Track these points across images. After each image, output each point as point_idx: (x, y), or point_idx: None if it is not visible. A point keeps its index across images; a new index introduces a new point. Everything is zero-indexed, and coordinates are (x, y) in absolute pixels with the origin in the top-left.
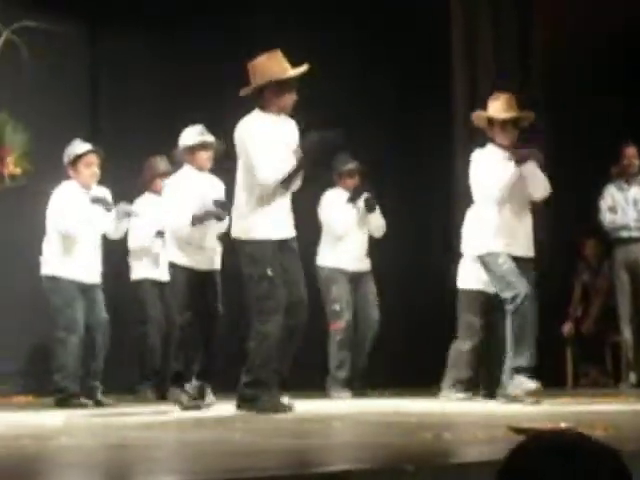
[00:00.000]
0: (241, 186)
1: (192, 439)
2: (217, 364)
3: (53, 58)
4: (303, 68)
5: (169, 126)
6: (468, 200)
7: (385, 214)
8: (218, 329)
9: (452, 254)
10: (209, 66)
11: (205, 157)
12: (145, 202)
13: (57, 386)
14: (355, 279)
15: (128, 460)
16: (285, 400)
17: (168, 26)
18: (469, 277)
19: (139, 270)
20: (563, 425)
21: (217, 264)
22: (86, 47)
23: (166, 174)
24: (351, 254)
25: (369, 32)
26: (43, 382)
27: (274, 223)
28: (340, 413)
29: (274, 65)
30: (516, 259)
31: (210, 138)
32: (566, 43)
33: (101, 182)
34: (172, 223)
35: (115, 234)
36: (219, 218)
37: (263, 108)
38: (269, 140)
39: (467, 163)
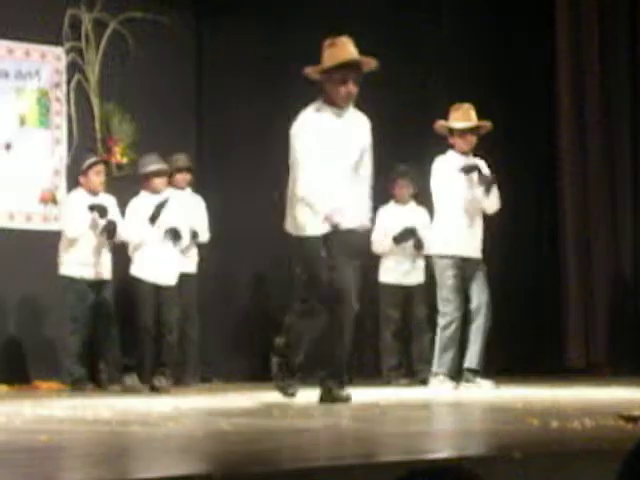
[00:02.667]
0: (291, 178)
1: (301, 426)
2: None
3: (159, 49)
4: (352, 56)
5: (271, 118)
6: None
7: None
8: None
9: None
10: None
11: (158, 182)
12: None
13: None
14: None
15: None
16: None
17: (275, 19)
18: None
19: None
20: None
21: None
22: (191, 38)
23: (183, 169)
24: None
25: None
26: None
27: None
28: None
29: (331, 52)
30: (467, 259)
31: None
32: None
33: (201, 173)
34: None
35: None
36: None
37: (323, 100)
38: (314, 146)
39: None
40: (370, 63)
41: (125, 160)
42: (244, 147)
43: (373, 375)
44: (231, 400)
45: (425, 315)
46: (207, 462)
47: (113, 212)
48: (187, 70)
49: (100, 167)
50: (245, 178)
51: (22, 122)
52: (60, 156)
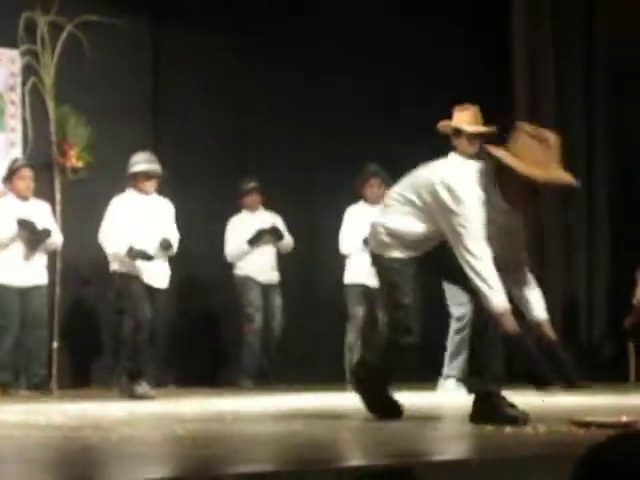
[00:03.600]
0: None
1: (279, 430)
2: None
3: (115, 52)
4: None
5: (231, 121)
6: None
7: None
8: None
9: None
10: (267, 60)
11: (148, 184)
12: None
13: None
14: None
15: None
16: None
17: (233, 22)
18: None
19: None
20: (625, 419)
21: None
22: (147, 41)
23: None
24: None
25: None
26: None
27: None
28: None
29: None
30: None
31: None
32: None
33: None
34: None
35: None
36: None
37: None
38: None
39: None
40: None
41: (81, 164)
42: (200, 151)
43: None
44: (185, 405)
45: None
46: (161, 467)
47: (44, 220)
48: (143, 73)
49: (25, 171)
50: (202, 183)
51: None
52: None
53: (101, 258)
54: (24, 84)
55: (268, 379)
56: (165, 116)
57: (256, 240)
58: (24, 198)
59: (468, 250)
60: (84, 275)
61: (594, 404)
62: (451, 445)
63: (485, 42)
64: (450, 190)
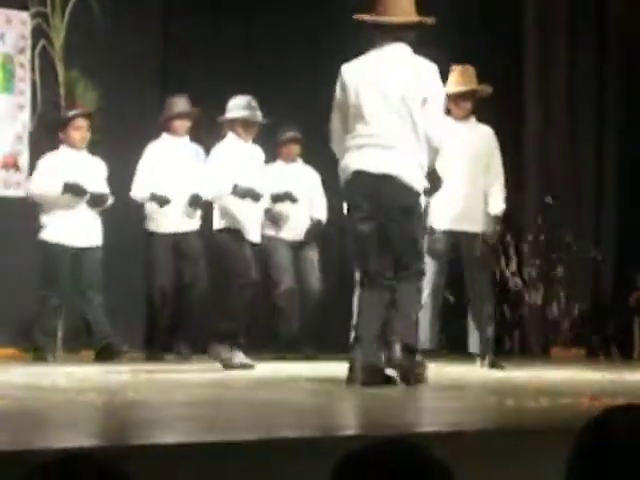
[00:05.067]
0: None
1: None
2: None
3: (125, 16)
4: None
5: (238, 86)
6: None
7: None
8: None
9: None
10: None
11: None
12: (167, 145)
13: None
14: None
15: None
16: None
17: None
18: None
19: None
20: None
21: None
22: (159, 6)
23: (184, 115)
24: None
25: None
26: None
27: None
28: None
29: None
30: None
31: (256, 113)
32: None
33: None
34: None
35: None
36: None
37: None
38: None
39: None
40: None
41: None
42: (208, 118)
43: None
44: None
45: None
46: (161, 431)
47: (96, 178)
48: (153, 38)
49: (81, 121)
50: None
51: None
52: (23, 122)
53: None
54: (34, 47)
55: (301, 345)
56: (174, 82)
57: (285, 199)
58: (78, 149)
59: None
60: None
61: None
62: (451, 416)
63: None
64: None
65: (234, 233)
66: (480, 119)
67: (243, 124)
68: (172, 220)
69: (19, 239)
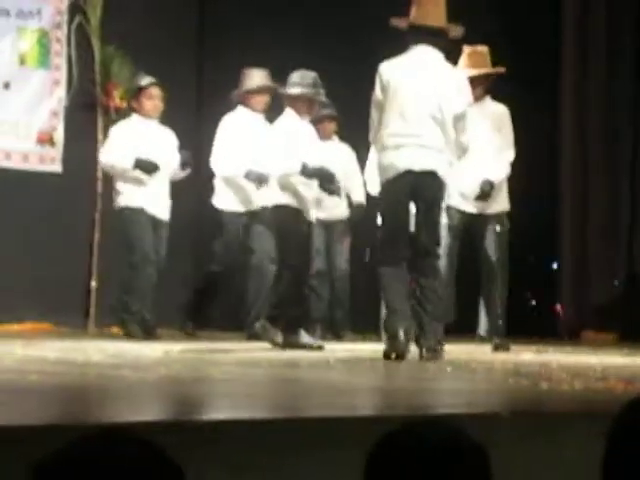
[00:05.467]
0: None
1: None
2: None
3: None
4: None
5: (275, 63)
6: None
7: None
8: None
9: None
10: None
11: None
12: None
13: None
14: None
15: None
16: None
17: None
18: None
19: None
20: None
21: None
22: None
23: (264, 90)
24: None
25: None
26: None
27: None
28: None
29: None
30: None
31: (320, 91)
32: None
33: (199, 122)
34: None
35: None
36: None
37: None
38: None
39: None
40: None
41: (124, 104)
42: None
43: None
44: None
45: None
46: (195, 408)
47: (167, 149)
48: (189, 16)
49: (155, 90)
50: None
51: (22, 62)
52: (59, 97)
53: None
54: (70, 22)
55: (337, 329)
56: (210, 57)
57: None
58: (151, 118)
59: None
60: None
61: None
62: (484, 398)
63: None
64: None
65: (295, 211)
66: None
67: (307, 102)
68: (245, 198)
69: (53, 215)
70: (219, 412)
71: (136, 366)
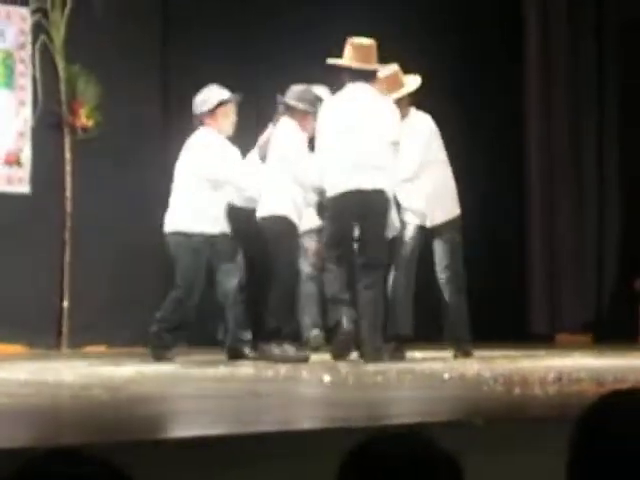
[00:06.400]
0: None
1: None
2: None
3: (125, 11)
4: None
5: (242, 81)
6: None
7: None
8: None
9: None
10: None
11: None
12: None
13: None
14: None
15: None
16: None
17: None
18: None
19: None
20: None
21: None
22: (158, 1)
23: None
24: None
25: None
26: None
27: None
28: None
29: None
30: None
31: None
32: None
33: (166, 139)
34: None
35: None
36: None
37: None
38: None
39: None
40: None
41: (91, 123)
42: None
43: None
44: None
45: None
46: (158, 426)
47: (234, 168)
48: (153, 32)
49: (232, 107)
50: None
51: None
52: (25, 118)
53: (107, 215)
54: (34, 42)
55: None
56: (175, 77)
57: None
58: (225, 135)
59: None
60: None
61: (601, 365)
62: (459, 406)
63: None
64: None
65: (291, 226)
66: None
67: (303, 116)
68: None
69: (22, 236)
70: (181, 430)
71: (108, 386)
